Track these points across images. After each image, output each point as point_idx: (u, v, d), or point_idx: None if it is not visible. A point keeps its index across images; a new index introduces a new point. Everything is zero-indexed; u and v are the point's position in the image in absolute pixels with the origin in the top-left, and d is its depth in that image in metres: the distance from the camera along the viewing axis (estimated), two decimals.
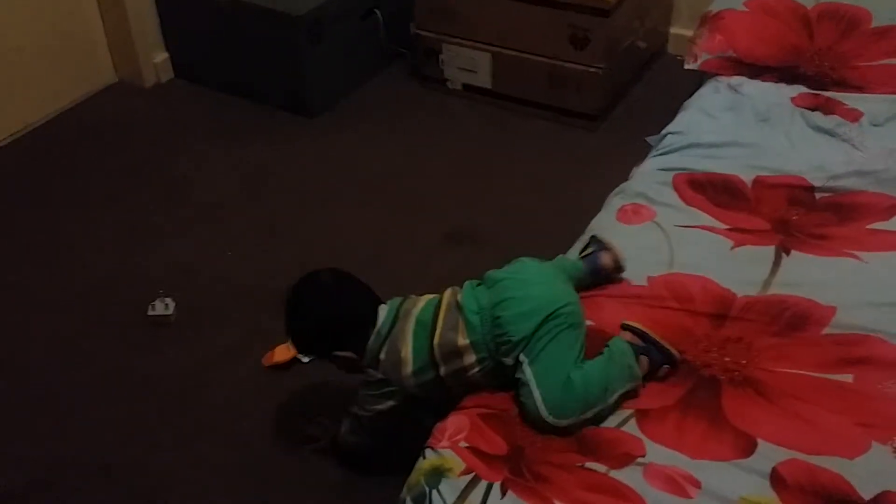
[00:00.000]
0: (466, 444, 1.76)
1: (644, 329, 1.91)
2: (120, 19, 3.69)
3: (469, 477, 1.70)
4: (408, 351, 1.97)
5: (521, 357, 1.85)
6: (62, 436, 2.43)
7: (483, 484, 1.68)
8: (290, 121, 3.62)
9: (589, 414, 1.79)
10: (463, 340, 1.92)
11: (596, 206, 2.44)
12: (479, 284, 2.03)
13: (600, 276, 2.12)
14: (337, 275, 2.13)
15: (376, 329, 2.01)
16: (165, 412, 2.47)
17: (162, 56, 3.85)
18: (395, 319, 2.01)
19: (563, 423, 1.78)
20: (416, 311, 2.01)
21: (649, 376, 1.88)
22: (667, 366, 1.89)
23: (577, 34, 3.30)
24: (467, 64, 3.60)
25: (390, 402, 2.03)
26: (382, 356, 1.99)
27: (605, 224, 2.33)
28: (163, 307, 2.72)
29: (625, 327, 1.95)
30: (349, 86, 3.75)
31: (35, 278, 2.93)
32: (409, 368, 1.97)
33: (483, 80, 3.60)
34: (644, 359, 1.88)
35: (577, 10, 3.26)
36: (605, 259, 2.12)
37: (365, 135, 3.54)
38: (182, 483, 2.29)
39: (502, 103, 3.61)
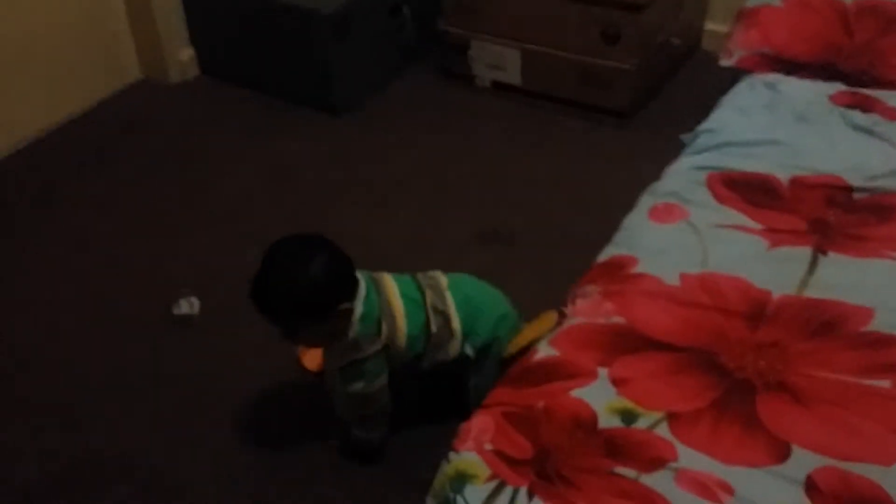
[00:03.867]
0: (492, 448, 1.71)
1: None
2: (146, 16, 3.69)
3: (495, 483, 1.65)
4: (402, 321, 2.11)
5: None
6: (82, 432, 2.42)
7: (509, 489, 1.64)
8: (315, 118, 3.60)
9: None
10: (455, 324, 2.15)
11: (627, 206, 2.39)
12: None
13: None
14: (305, 235, 2.11)
15: (362, 294, 2.06)
16: (187, 411, 2.46)
17: (188, 53, 3.84)
18: (375, 287, 2.12)
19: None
20: (395, 284, 2.15)
21: None
22: None
23: (609, 30, 3.25)
24: (496, 61, 3.56)
25: (385, 375, 2.13)
26: (384, 323, 2.07)
27: (635, 223, 2.28)
28: (188, 306, 2.71)
29: None
30: (376, 83, 3.72)
31: (59, 275, 2.93)
32: (403, 339, 2.11)
33: (512, 77, 3.56)
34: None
35: (609, 5, 3.21)
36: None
37: (391, 133, 3.51)
38: (202, 483, 2.28)
39: (532, 101, 3.57)
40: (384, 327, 2.09)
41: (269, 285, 2.01)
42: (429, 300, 2.16)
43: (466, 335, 2.18)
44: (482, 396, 1.85)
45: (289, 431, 2.39)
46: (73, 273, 2.93)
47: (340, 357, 2.10)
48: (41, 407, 2.50)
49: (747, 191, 2.32)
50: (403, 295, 2.15)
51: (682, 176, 2.41)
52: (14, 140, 3.48)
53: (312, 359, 2.51)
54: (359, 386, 2.12)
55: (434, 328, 2.15)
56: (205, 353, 2.62)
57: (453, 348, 2.19)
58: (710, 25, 3.77)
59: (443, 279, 2.23)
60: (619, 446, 1.70)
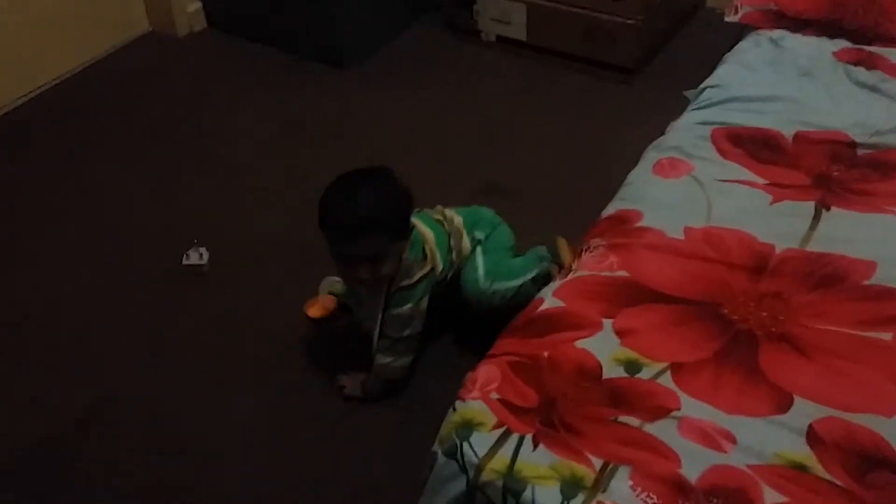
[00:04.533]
0: (497, 396, 1.74)
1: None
2: None
3: (501, 430, 1.68)
4: (434, 244, 2.33)
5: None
6: (95, 384, 2.45)
7: (515, 437, 1.67)
8: (322, 72, 3.60)
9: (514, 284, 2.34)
10: (458, 221, 2.43)
11: (632, 161, 2.41)
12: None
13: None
14: (363, 168, 2.23)
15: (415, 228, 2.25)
16: (198, 361, 2.49)
17: (195, 6, 3.84)
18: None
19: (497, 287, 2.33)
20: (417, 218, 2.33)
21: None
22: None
23: None
24: (501, 15, 3.55)
25: (426, 298, 2.29)
26: (426, 247, 2.27)
27: (640, 178, 2.30)
28: (197, 256, 2.73)
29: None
30: (382, 37, 3.72)
31: (69, 228, 2.95)
32: (439, 259, 2.32)
33: (517, 31, 3.55)
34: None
35: None
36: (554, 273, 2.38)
37: (397, 87, 3.52)
38: (214, 432, 2.32)
39: (537, 56, 3.56)
40: (427, 251, 2.27)
41: (364, 207, 2.09)
42: (440, 218, 2.40)
43: (470, 230, 2.43)
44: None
45: (299, 380, 2.42)
46: (82, 224, 2.96)
47: (394, 285, 2.22)
48: (54, 357, 2.53)
49: (751, 146, 2.33)
50: (426, 223, 2.36)
51: (687, 131, 2.42)
52: (23, 92, 3.49)
53: (317, 309, 2.54)
54: (406, 308, 2.24)
55: (452, 242, 2.37)
56: (213, 303, 2.65)
57: (465, 245, 2.40)
58: None
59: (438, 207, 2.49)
60: (623, 396, 1.73)
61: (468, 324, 2.45)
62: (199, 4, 3.84)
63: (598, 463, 1.60)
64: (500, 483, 1.62)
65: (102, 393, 2.42)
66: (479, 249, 2.43)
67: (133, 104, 3.49)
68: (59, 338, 2.59)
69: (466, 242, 2.41)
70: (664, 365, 1.78)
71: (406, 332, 2.28)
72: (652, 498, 1.54)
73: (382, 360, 2.30)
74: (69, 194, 3.08)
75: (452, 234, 2.38)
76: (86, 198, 3.06)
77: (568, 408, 1.72)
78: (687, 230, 2.08)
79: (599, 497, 1.55)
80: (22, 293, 2.73)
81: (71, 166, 3.20)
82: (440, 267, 2.33)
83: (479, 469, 1.65)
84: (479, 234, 2.45)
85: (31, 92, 3.51)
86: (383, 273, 2.16)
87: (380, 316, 2.27)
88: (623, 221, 2.14)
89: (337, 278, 2.55)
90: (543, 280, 2.34)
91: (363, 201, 2.10)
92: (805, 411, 1.68)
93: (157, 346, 2.54)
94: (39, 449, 2.30)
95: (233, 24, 3.82)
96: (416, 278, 2.24)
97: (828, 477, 1.58)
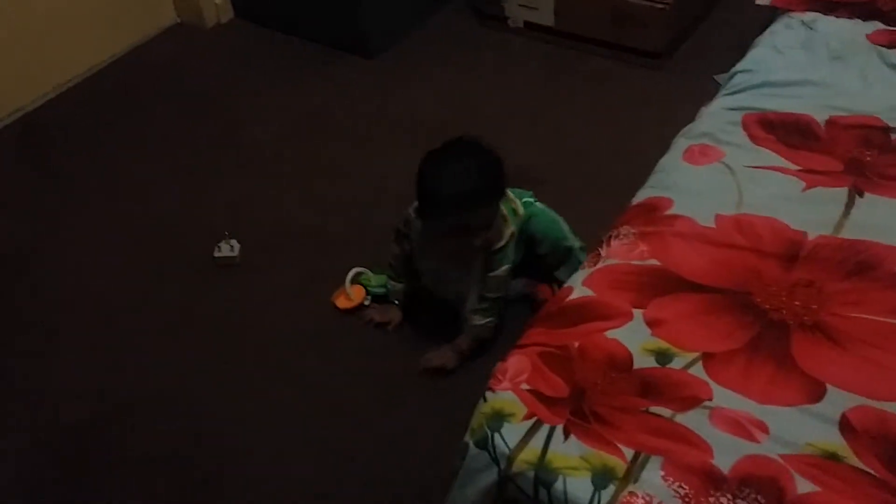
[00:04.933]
0: (528, 387, 1.74)
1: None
2: None
3: (531, 421, 1.68)
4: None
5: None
6: (128, 372, 2.48)
7: (545, 427, 1.67)
8: (349, 61, 3.60)
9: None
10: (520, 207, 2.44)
11: (661, 147, 2.39)
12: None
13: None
14: (452, 140, 2.27)
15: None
16: (228, 350, 2.51)
17: None
18: None
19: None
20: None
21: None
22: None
23: None
24: (529, 1, 3.53)
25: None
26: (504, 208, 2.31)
27: (670, 165, 2.28)
28: (228, 249, 2.75)
29: None
30: (408, 25, 3.71)
31: (100, 219, 2.97)
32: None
33: (545, 17, 3.53)
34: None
35: None
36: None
37: (424, 75, 3.51)
38: (245, 419, 2.34)
39: (565, 41, 3.54)
40: (506, 213, 2.32)
41: (475, 177, 2.16)
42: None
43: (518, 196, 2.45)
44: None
45: (329, 369, 2.44)
46: (115, 216, 2.98)
47: (488, 246, 2.28)
48: (86, 349, 2.56)
49: (783, 132, 2.31)
50: None
51: (718, 117, 2.40)
52: (50, 86, 3.51)
53: (346, 300, 2.56)
54: (504, 269, 2.33)
55: (513, 206, 2.41)
56: (245, 293, 2.66)
57: (520, 208, 2.41)
58: None
59: None
60: (654, 386, 1.73)
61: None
62: None
63: (629, 453, 1.60)
64: (531, 474, 1.62)
65: (135, 382, 2.44)
66: (541, 205, 2.49)
67: (161, 96, 3.51)
68: (94, 330, 2.61)
69: (520, 206, 2.43)
70: (696, 355, 1.78)
71: (502, 293, 2.36)
72: (684, 488, 1.54)
73: (481, 320, 2.37)
74: (98, 187, 3.10)
75: (509, 199, 2.41)
76: (115, 191, 3.08)
77: (598, 398, 1.72)
78: (718, 218, 2.07)
79: (631, 488, 1.55)
80: (49, 287, 2.76)
81: (99, 160, 3.22)
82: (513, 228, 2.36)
83: (511, 460, 1.65)
84: (528, 198, 2.49)
85: (61, 85, 3.54)
86: (491, 238, 2.25)
87: (471, 283, 2.35)
88: (653, 209, 2.12)
89: (363, 269, 2.56)
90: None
91: (472, 171, 2.17)
92: (838, 401, 1.67)
93: (189, 338, 2.56)
94: (79, 433, 2.33)
95: (260, 14, 3.83)
96: (505, 239, 2.30)
97: (861, 466, 1.57)
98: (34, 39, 3.38)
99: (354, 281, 2.57)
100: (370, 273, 2.59)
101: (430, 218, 2.25)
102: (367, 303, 2.56)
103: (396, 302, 2.55)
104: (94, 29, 3.58)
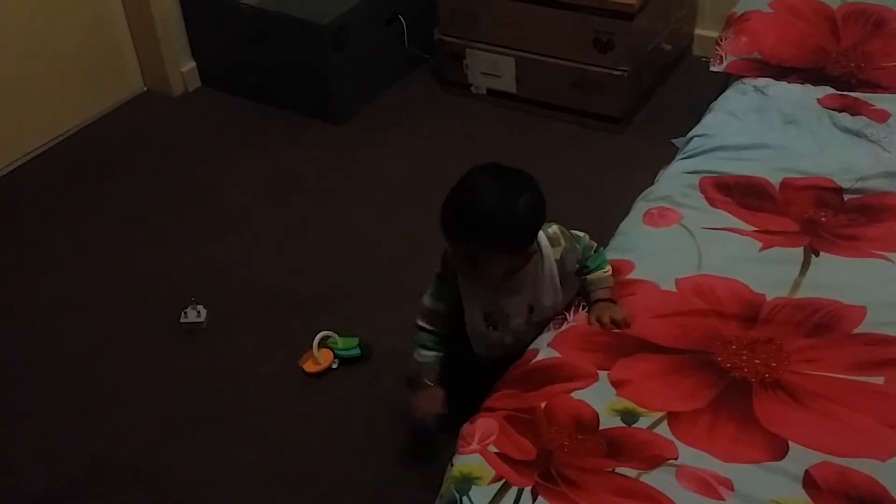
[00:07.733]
0: (496, 450, 1.76)
1: None
2: (147, 29, 3.72)
3: (499, 484, 1.70)
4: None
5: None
6: (96, 437, 2.47)
7: (514, 490, 1.68)
8: (316, 127, 3.64)
9: None
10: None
11: (622, 210, 2.44)
12: None
13: None
14: (509, 169, 2.08)
15: None
16: (197, 415, 2.51)
17: (189, 65, 3.88)
18: None
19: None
20: None
21: None
22: None
23: (601, 38, 3.29)
24: (491, 69, 3.60)
25: None
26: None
27: (631, 228, 2.33)
28: (195, 314, 2.75)
29: None
30: (374, 92, 3.77)
31: (67, 284, 2.97)
32: None
33: (507, 84, 3.60)
34: None
35: (600, 13, 3.25)
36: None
37: (390, 140, 3.55)
38: (213, 484, 2.33)
39: (527, 107, 3.61)
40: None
41: (484, 216, 1.92)
42: None
43: None
44: None
45: (296, 433, 2.43)
46: (83, 282, 2.97)
47: (566, 265, 2.10)
48: (51, 411, 2.54)
49: (739, 194, 2.37)
50: None
51: (676, 180, 2.46)
52: (19, 153, 3.52)
53: (313, 364, 2.57)
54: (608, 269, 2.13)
55: None
56: (212, 358, 2.67)
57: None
58: (700, 31, 3.80)
59: None
60: (621, 446, 1.75)
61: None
62: (194, 64, 3.89)
63: None
64: None
65: (104, 448, 2.43)
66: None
67: (129, 163, 3.52)
68: (60, 394, 2.60)
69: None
70: (661, 414, 1.81)
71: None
72: None
73: (603, 272, 2.13)
74: (66, 254, 3.10)
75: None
76: (85, 256, 3.08)
77: (565, 459, 1.74)
78: (678, 282, 2.11)
79: None
80: (14, 349, 2.75)
81: (68, 226, 3.22)
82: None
83: None
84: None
85: (27, 154, 3.54)
86: (494, 274, 2.00)
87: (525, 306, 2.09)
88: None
89: (330, 332, 2.57)
90: None
91: (515, 202, 1.96)
92: (801, 457, 1.70)
93: (158, 404, 2.55)
94: (46, 500, 2.31)
95: (227, 82, 3.87)
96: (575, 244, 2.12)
97: None
98: (2, 106, 3.40)
99: (322, 344, 2.58)
100: (337, 336, 2.60)
101: (445, 234, 1.98)
102: (334, 366, 2.57)
103: (429, 382, 2.13)
104: (61, 97, 3.60)
